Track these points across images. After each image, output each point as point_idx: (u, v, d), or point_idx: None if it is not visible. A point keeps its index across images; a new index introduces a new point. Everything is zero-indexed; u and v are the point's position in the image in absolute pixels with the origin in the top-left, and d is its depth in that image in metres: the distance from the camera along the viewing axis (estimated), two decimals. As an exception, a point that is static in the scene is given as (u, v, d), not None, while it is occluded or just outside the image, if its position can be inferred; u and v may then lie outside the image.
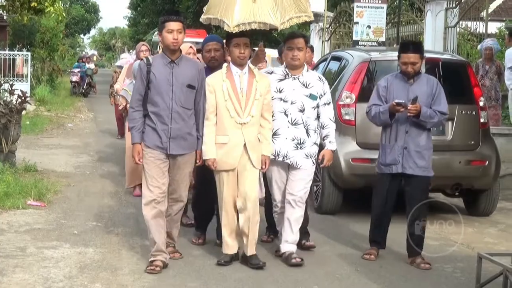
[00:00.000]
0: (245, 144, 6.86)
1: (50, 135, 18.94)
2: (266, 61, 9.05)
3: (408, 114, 7.03)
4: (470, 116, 9.12)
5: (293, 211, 7.20)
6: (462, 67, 9.77)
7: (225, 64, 7.12)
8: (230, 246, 7.02)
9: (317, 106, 7.23)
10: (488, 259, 6.61)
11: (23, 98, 12.37)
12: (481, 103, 9.68)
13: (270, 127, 7.07)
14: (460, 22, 18.20)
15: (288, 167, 7.21)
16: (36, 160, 12.71)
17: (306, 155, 7.18)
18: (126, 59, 15.87)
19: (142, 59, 7.31)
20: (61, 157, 14.72)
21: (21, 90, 12.65)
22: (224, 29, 6.94)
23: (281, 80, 7.20)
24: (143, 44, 10.98)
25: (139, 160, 6.79)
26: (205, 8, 7.32)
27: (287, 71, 7.24)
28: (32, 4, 28.19)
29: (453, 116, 9.04)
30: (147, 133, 6.78)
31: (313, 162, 7.25)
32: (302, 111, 7.16)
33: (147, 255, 7.06)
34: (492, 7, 24.06)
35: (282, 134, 7.13)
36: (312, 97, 7.19)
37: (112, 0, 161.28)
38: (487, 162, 9.57)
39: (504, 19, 24.27)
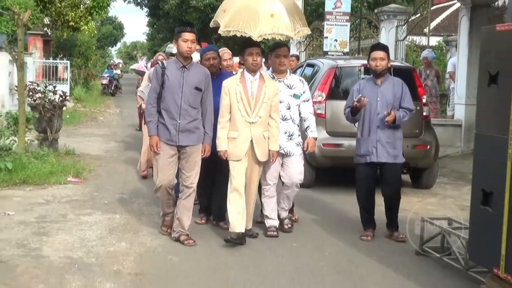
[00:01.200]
0: (251, 140, 6.56)
1: (85, 126, 18.88)
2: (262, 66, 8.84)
3: (387, 123, 6.74)
4: (415, 110, 9.12)
5: (292, 190, 7.09)
6: (408, 72, 9.76)
7: (240, 70, 6.84)
8: (237, 226, 6.51)
9: (299, 104, 7.05)
10: (429, 222, 6.64)
11: (64, 97, 12.33)
12: (424, 100, 9.74)
13: (277, 125, 6.73)
14: (408, 37, 18.28)
15: (283, 157, 6.97)
16: (74, 146, 12.67)
17: (296, 144, 7.02)
18: (138, 64, 15.77)
19: (157, 63, 7.02)
20: (94, 143, 14.70)
21: (62, 91, 12.58)
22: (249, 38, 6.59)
23: None
24: (159, 54, 10.97)
25: (157, 149, 6.49)
26: (222, 23, 6.80)
27: (274, 75, 7.04)
28: (70, 24, 28.33)
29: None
30: (160, 128, 6.46)
31: (301, 149, 7.10)
32: (289, 108, 6.98)
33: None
34: (433, 25, 24.02)
35: None
36: (295, 96, 7.01)
37: (134, 20, 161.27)
38: (428, 146, 9.63)
39: (442, 34, 24.29)
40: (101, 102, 28.21)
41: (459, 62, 14.21)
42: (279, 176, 7.08)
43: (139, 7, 45.91)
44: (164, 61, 6.70)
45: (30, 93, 11.86)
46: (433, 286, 5.65)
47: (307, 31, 7.14)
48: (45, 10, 26.25)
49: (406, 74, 9.15)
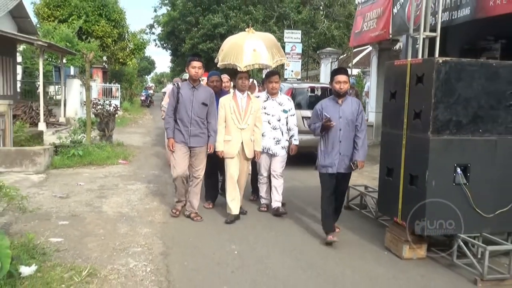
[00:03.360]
0: (242, 142, 5.91)
1: (130, 127, 18.68)
2: (256, 87, 8.48)
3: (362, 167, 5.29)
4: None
5: (276, 181, 6.37)
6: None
7: (232, 91, 6.27)
8: (232, 209, 5.89)
9: (287, 117, 6.42)
10: (352, 188, 6.67)
11: (116, 108, 12.28)
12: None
13: (260, 132, 6.06)
14: (338, 69, 18.28)
15: (271, 156, 6.38)
16: (123, 140, 12.56)
17: (282, 147, 6.37)
18: (167, 87, 15.67)
19: (173, 85, 6.30)
20: (136, 138, 14.55)
21: (115, 104, 12.57)
22: (237, 69, 6.07)
23: (265, 101, 6.30)
24: (175, 79, 10.82)
25: (172, 148, 5.78)
26: (219, 58, 6.42)
27: (268, 96, 6.41)
28: (120, 60, 28.18)
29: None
30: (176, 133, 5.77)
31: (285, 151, 6.42)
32: (279, 120, 6.27)
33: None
34: (354, 61, 24.07)
35: (267, 135, 6.25)
36: (284, 111, 6.36)
37: (161, 58, 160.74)
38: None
39: (360, 67, 24.38)
40: (140, 111, 27.96)
41: (371, 85, 14.34)
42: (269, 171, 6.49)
43: (165, 50, 45.69)
44: (179, 83, 6.13)
45: (94, 105, 11.79)
46: (355, 229, 5.66)
47: (285, 60, 6.58)
48: (103, 51, 26.05)
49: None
